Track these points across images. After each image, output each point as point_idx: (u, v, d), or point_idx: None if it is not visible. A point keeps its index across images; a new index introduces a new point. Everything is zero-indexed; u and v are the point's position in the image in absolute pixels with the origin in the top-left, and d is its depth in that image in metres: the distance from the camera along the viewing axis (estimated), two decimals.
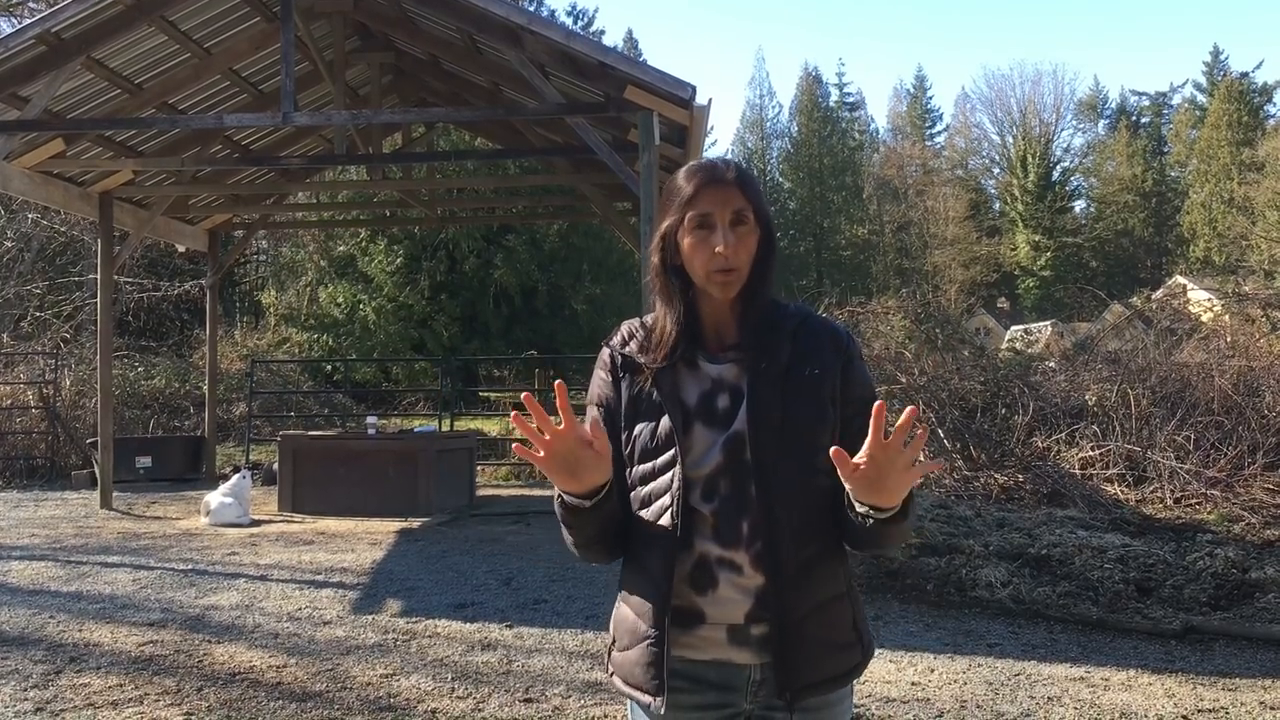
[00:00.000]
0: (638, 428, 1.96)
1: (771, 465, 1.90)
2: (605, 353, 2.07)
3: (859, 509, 1.80)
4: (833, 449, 1.72)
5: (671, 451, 1.92)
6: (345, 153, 12.37)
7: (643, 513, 1.96)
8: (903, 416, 1.70)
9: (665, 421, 1.93)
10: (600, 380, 2.05)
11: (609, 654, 2.07)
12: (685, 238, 1.96)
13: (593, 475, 1.81)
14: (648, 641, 1.94)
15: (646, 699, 1.94)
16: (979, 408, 12.71)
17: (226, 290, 31.39)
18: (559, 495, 1.88)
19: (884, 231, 63.75)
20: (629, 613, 1.99)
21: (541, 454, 1.78)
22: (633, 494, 1.98)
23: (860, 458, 1.72)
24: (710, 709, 1.96)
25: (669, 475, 1.92)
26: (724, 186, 1.95)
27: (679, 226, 1.97)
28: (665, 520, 1.92)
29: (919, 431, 1.75)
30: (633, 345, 2.03)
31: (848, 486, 1.77)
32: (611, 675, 2.06)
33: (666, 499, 1.92)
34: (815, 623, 1.92)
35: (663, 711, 1.93)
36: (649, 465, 1.95)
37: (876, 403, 1.72)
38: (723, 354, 1.98)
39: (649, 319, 2.06)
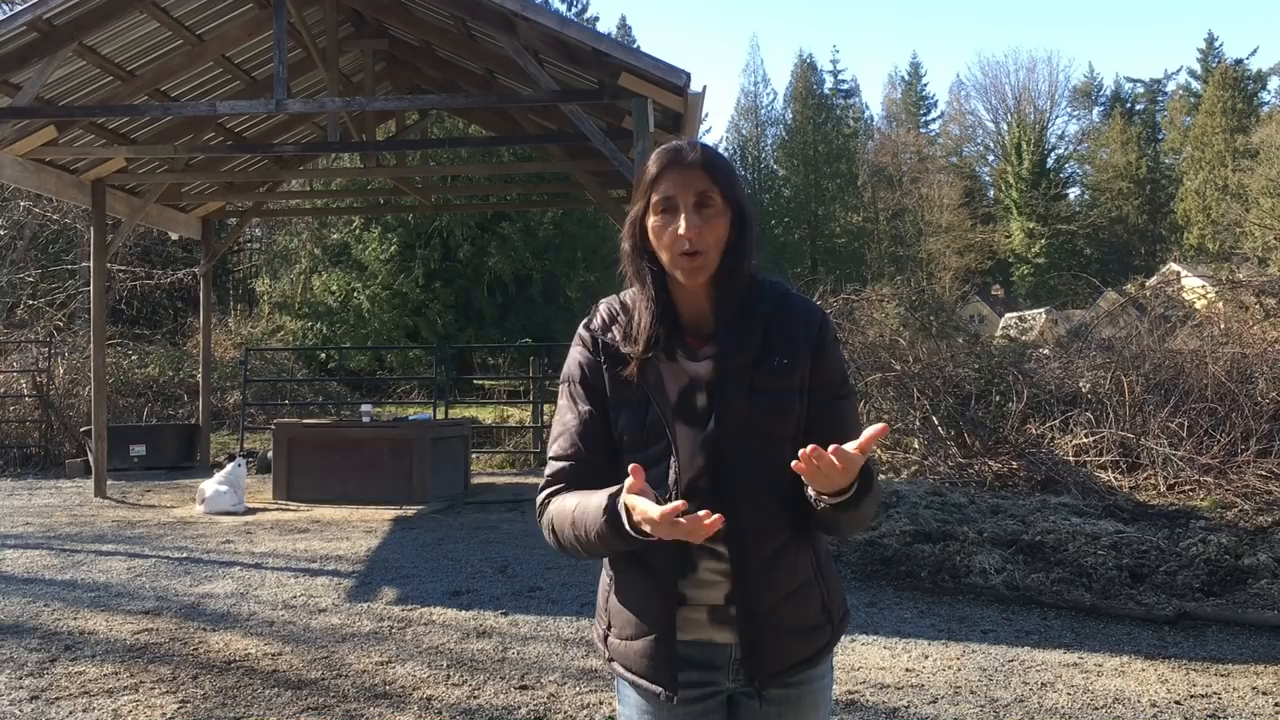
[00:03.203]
0: (623, 415, 1.95)
1: (739, 462, 1.90)
2: (585, 334, 2.04)
3: (816, 499, 1.83)
4: (794, 464, 1.70)
5: (663, 443, 1.92)
6: (339, 140, 12.32)
7: None
8: (872, 432, 1.70)
9: (652, 411, 1.93)
10: (582, 356, 2.02)
11: (604, 638, 2.06)
12: (651, 221, 1.95)
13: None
14: (655, 635, 1.94)
15: (656, 689, 1.95)
16: (973, 395, 12.73)
17: (220, 278, 31.31)
18: (608, 526, 1.78)
19: (878, 219, 63.79)
20: (630, 603, 1.99)
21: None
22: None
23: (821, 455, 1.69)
24: (693, 687, 1.98)
25: (663, 466, 1.91)
26: (686, 169, 1.92)
27: (645, 210, 1.96)
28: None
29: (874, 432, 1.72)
30: (615, 331, 2.00)
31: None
32: (610, 661, 2.05)
33: (662, 491, 1.91)
34: (785, 612, 1.95)
35: (674, 703, 1.94)
36: (640, 456, 1.91)
37: (880, 426, 1.72)
38: (700, 348, 1.96)
39: (628, 297, 2.04)
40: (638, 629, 1.97)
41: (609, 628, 2.04)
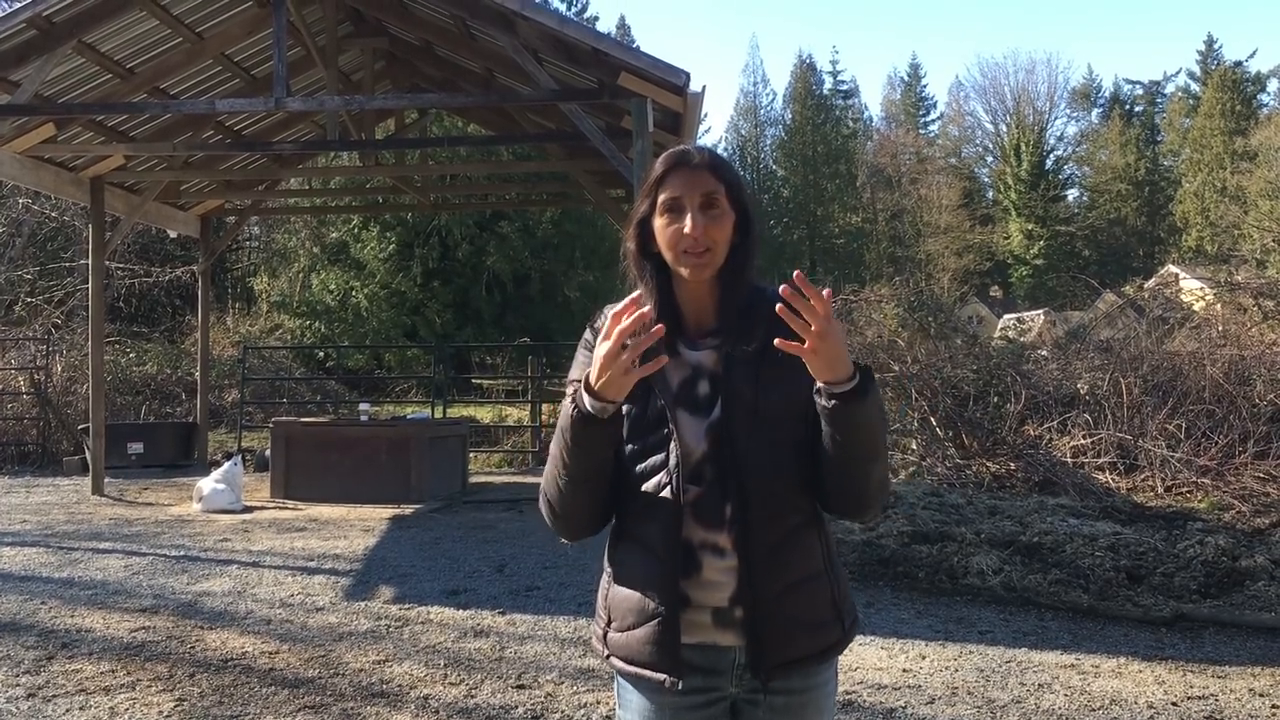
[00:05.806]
0: (625, 407, 1.95)
1: (746, 448, 1.91)
2: (589, 335, 2.06)
3: (825, 398, 1.79)
4: (777, 340, 1.75)
5: (665, 430, 1.92)
6: (338, 138, 12.32)
7: (640, 490, 1.95)
8: (800, 283, 1.72)
9: (654, 401, 1.94)
10: (586, 359, 2.02)
11: (604, 635, 2.04)
12: (657, 221, 1.98)
13: (625, 390, 1.80)
14: (657, 620, 1.93)
15: (659, 676, 1.93)
16: (971, 396, 12.73)
17: (218, 276, 31.24)
18: (575, 409, 1.82)
19: (877, 220, 63.81)
20: (630, 592, 1.97)
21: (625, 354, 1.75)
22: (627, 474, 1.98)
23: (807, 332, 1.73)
24: (695, 693, 1.97)
25: (664, 454, 1.93)
26: (693, 170, 1.96)
27: (651, 212, 1.99)
28: (666, 494, 1.92)
29: (822, 292, 1.74)
30: None
31: (812, 371, 1.78)
32: (608, 657, 2.03)
33: (664, 475, 1.92)
34: (791, 602, 1.94)
35: (679, 688, 1.92)
36: (641, 443, 1.94)
37: (795, 273, 1.73)
38: (702, 340, 1.99)
39: None
40: (639, 615, 1.95)
41: (609, 623, 2.03)
